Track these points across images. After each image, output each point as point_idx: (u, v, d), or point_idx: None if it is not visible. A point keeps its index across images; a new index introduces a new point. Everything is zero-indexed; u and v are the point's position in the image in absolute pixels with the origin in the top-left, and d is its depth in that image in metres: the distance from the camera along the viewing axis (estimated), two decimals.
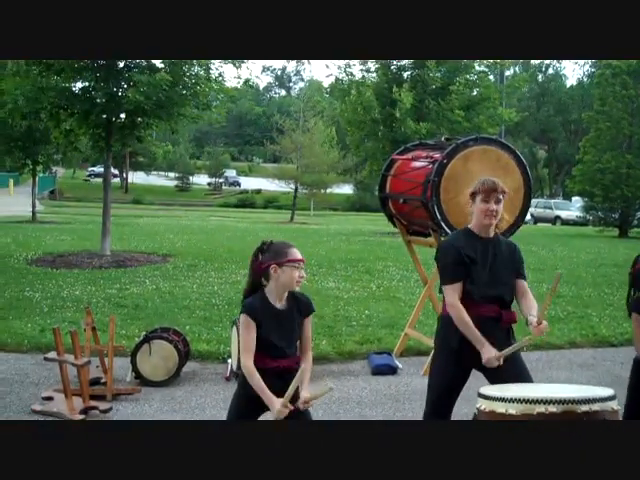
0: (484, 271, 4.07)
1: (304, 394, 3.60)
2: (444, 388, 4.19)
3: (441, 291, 4.24)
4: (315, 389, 3.65)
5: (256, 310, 3.66)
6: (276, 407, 3.47)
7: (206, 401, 6.28)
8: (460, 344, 4.04)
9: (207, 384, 6.80)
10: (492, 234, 4.19)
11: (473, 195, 4.15)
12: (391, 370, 7.25)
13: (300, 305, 3.73)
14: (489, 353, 3.95)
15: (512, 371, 4.01)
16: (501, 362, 3.95)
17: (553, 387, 3.70)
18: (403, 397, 6.45)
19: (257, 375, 3.57)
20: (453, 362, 4.11)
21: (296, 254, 3.72)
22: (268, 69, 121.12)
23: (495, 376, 4.01)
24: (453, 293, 4.05)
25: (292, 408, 3.49)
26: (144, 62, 14.02)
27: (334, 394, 6.50)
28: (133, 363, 6.68)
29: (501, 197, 4.11)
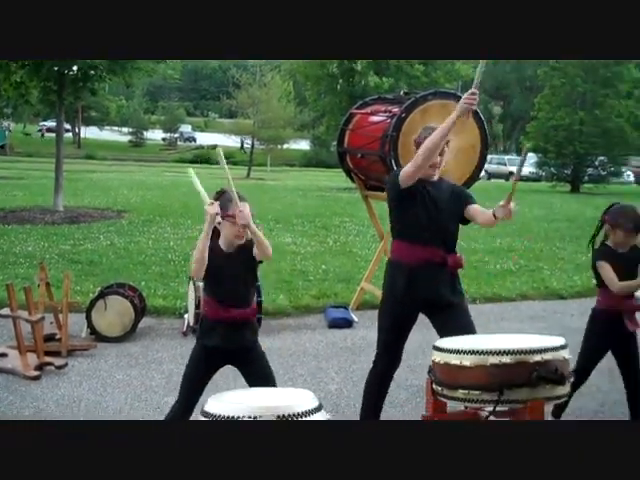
0: (425, 213, 4.04)
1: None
2: (392, 328, 4.22)
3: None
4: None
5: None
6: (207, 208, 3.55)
7: (163, 356, 6.27)
8: (405, 289, 4.07)
9: (164, 339, 6.79)
10: (435, 179, 4.15)
11: (418, 144, 4.06)
12: (347, 323, 7.33)
13: (249, 247, 3.66)
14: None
15: (458, 322, 4.06)
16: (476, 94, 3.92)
17: (506, 338, 3.76)
18: (359, 349, 6.52)
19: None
20: (400, 304, 4.14)
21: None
22: None
23: (441, 325, 4.09)
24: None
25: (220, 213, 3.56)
26: None
27: (291, 347, 6.56)
28: (88, 319, 6.62)
29: (446, 148, 4.07)
